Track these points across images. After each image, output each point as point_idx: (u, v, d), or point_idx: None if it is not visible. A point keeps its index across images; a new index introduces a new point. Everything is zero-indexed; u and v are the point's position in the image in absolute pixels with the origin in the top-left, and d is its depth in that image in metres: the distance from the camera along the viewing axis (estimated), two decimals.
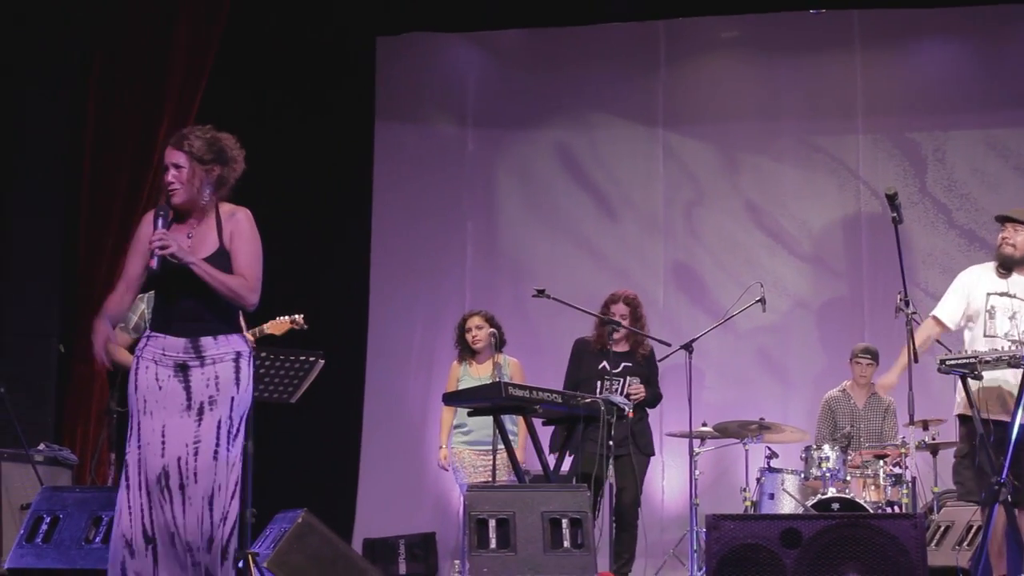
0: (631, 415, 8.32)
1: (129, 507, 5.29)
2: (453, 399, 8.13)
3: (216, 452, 5.34)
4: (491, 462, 8.47)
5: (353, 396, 11.95)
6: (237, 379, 5.46)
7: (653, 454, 9.05)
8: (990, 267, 7.47)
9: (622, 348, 8.87)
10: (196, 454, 5.30)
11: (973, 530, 7.44)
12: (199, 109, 10.46)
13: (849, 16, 12.16)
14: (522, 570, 5.97)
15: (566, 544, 6.12)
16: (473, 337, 9.07)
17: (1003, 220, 7.43)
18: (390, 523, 10.86)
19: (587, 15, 12.28)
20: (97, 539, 6.32)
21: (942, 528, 7.91)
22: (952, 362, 6.96)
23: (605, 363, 8.76)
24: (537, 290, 8.60)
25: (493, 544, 6.06)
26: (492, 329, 9.01)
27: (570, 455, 8.35)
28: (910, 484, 8.94)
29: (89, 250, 10.26)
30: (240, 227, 5.57)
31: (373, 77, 12.60)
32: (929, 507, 9.09)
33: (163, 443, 5.30)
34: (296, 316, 8.16)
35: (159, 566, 5.25)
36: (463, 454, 8.95)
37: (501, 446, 7.99)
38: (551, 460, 8.08)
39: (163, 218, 5.43)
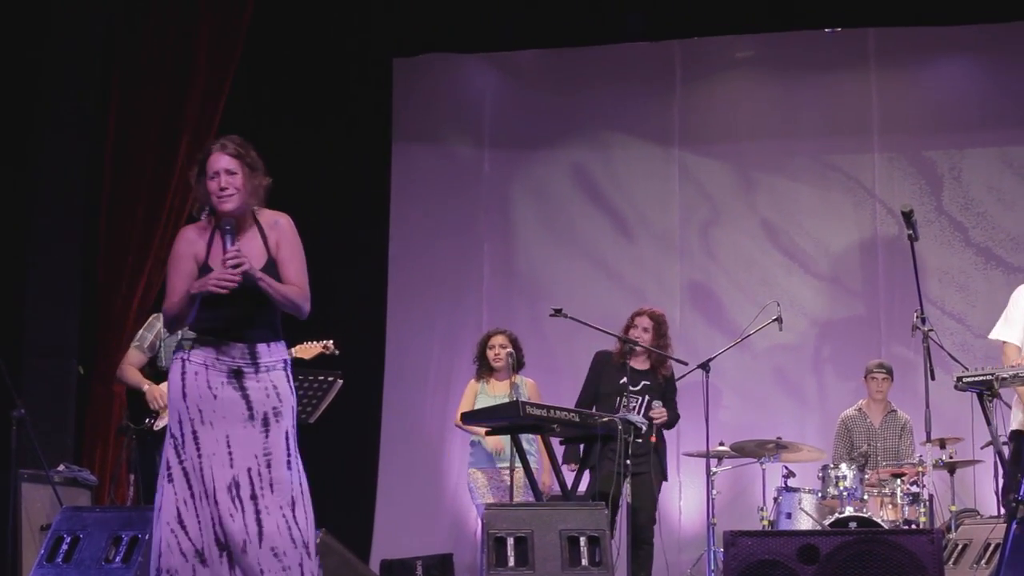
0: (653, 439, 8.34)
1: (198, 517, 5.25)
2: (471, 418, 8.13)
3: (289, 462, 5.33)
4: (507, 481, 8.50)
5: (371, 416, 11.97)
6: (291, 388, 5.46)
7: (666, 479, 9.04)
8: None
9: (643, 365, 8.86)
10: (269, 466, 5.28)
11: (991, 548, 7.41)
12: (217, 130, 10.51)
13: (864, 35, 12.18)
14: None
15: (584, 562, 6.12)
16: (495, 355, 9.07)
17: None
18: (407, 544, 10.86)
19: (603, 35, 12.32)
20: (117, 559, 6.32)
21: (960, 547, 7.87)
22: (969, 379, 6.95)
23: (625, 379, 8.78)
24: (554, 309, 8.61)
25: (511, 562, 6.07)
26: (510, 349, 9.03)
27: (588, 474, 8.35)
28: (927, 503, 8.94)
29: (108, 270, 10.30)
30: (286, 235, 5.52)
31: (390, 98, 12.65)
32: (947, 525, 9.07)
33: (230, 453, 5.27)
34: (327, 342, 8.13)
35: (234, 572, 5.23)
36: (476, 476, 8.96)
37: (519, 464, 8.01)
38: (567, 475, 8.09)
39: (230, 234, 5.34)
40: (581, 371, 9.29)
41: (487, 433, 8.52)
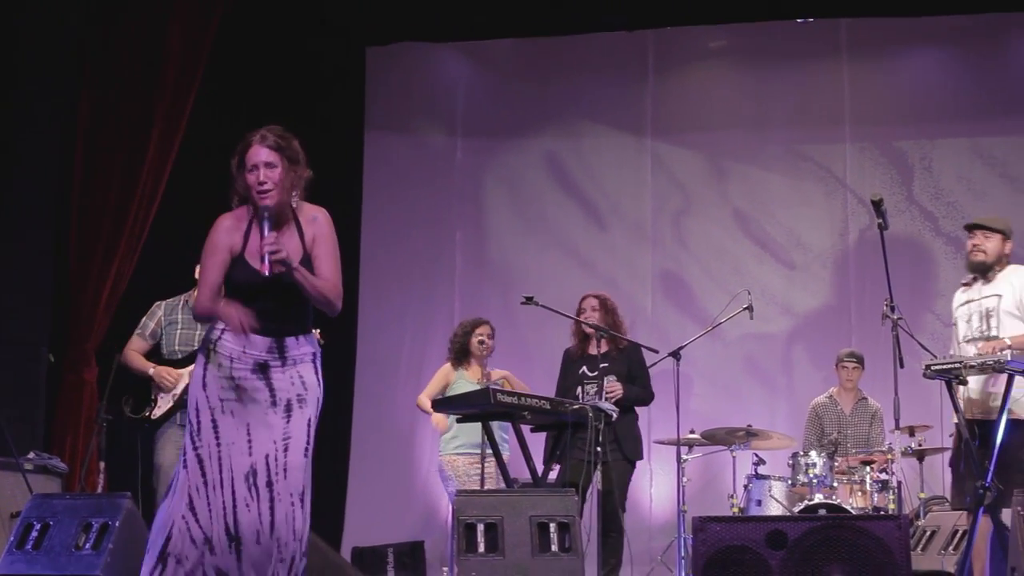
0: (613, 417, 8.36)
1: (209, 505, 5.19)
2: (442, 405, 8.14)
3: (307, 450, 5.29)
4: (481, 470, 8.53)
5: (342, 405, 11.97)
6: (318, 379, 5.40)
7: (640, 458, 9.05)
8: (960, 287, 7.57)
9: (602, 349, 8.82)
10: (287, 450, 5.23)
11: (959, 535, 7.47)
12: (189, 119, 10.50)
13: (836, 25, 12.23)
14: (510, 574, 5.99)
15: (554, 548, 6.13)
16: (484, 346, 9.12)
17: (972, 228, 7.52)
18: (379, 532, 10.85)
19: (576, 25, 12.33)
20: (87, 545, 6.30)
21: (928, 533, 7.94)
22: (937, 367, 7.02)
23: (584, 368, 8.83)
24: (525, 297, 8.60)
25: (482, 548, 6.08)
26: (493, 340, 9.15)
27: (558, 463, 8.37)
28: (896, 490, 8.99)
29: (79, 259, 10.27)
30: (322, 231, 5.43)
31: (363, 87, 12.66)
32: (915, 512, 9.13)
33: (249, 442, 5.22)
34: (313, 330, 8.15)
35: (243, 563, 5.17)
36: (457, 462, 8.98)
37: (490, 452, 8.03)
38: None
39: (268, 222, 5.24)
40: (553, 359, 9.33)
41: (459, 420, 8.54)
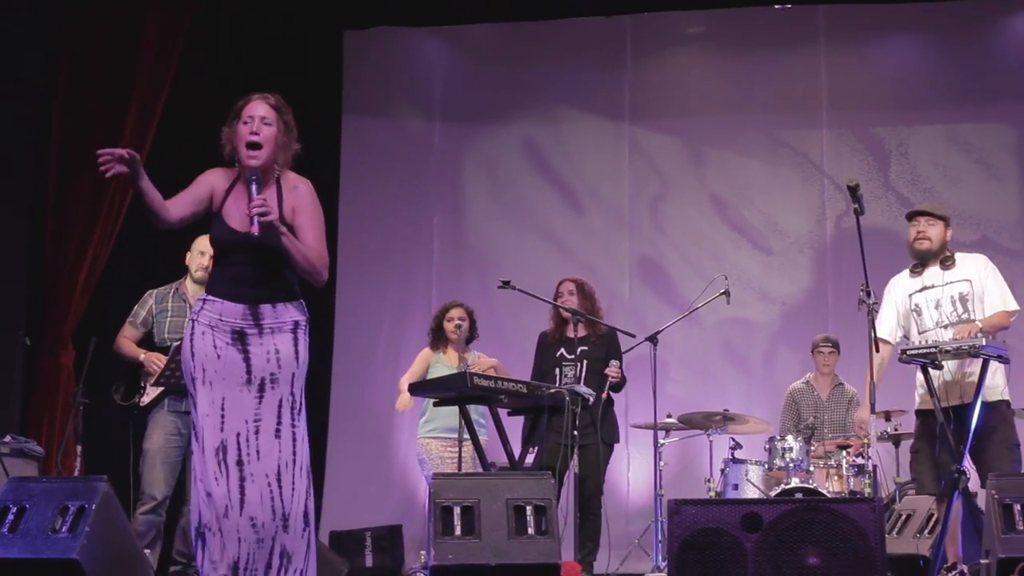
0: (605, 396, 8.39)
1: (201, 476, 5.27)
2: (419, 389, 8.14)
3: (278, 431, 5.30)
4: (458, 454, 8.54)
5: (320, 389, 11.95)
6: (296, 352, 5.40)
7: (617, 441, 9.09)
8: (905, 272, 7.63)
9: (580, 332, 8.87)
10: (257, 433, 5.26)
11: (934, 519, 7.51)
12: (166, 102, 10.47)
13: (814, 12, 12.26)
14: (486, 556, 5.99)
15: (530, 531, 6.13)
16: (454, 327, 9.14)
17: (914, 215, 7.60)
18: (356, 516, 10.85)
19: (554, 10, 12.34)
20: (63, 528, 6.26)
21: (904, 517, 7.97)
22: (913, 352, 7.08)
23: (562, 350, 8.86)
24: (502, 281, 8.61)
25: (458, 531, 6.07)
26: (468, 322, 9.21)
27: (535, 447, 8.38)
28: (872, 474, 9.03)
29: (55, 242, 10.24)
30: (303, 201, 5.46)
31: (341, 71, 12.62)
32: (891, 496, 9.17)
33: (222, 416, 5.25)
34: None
35: (214, 535, 5.22)
36: (431, 445, 9.00)
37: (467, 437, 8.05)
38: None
39: (256, 183, 5.27)
40: (530, 344, 9.34)
41: (435, 404, 8.55)
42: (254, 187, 5.27)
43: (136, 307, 8.04)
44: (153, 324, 7.94)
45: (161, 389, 7.75)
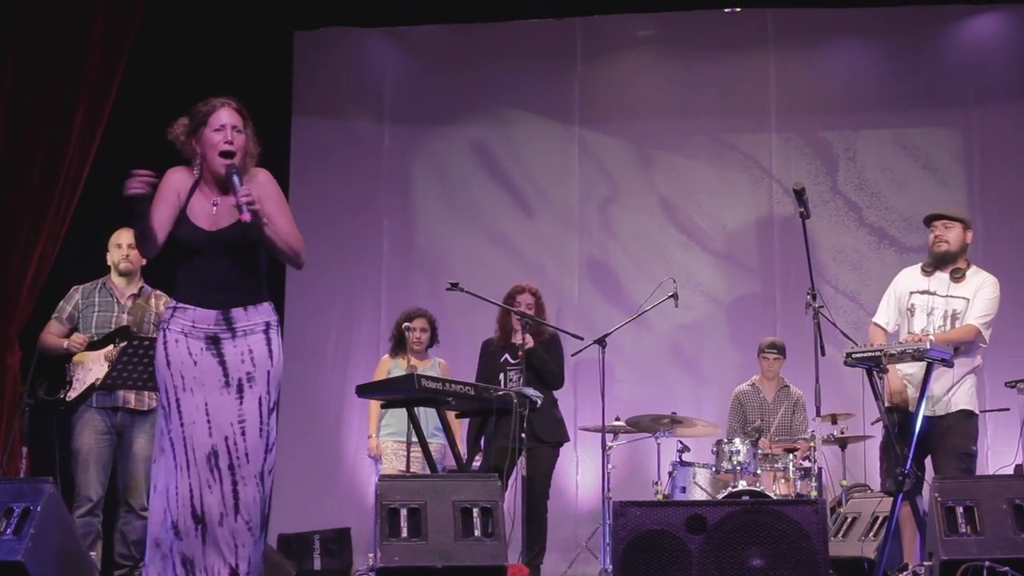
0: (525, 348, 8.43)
1: (177, 488, 5.21)
2: (367, 391, 8.13)
3: (261, 429, 5.33)
4: (406, 456, 8.56)
5: None
6: (270, 351, 5.42)
7: (567, 440, 9.12)
8: (917, 267, 7.67)
9: (528, 342, 8.89)
10: (244, 433, 5.26)
11: (879, 521, 7.57)
12: (114, 103, 10.39)
13: (763, 15, 12.31)
14: (433, 558, 6.00)
15: (477, 533, 6.15)
16: (417, 338, 9.18)
17: (932, 219, 7.63)
18: (305, 518, 10.81)
19: (504, 12, 12.33)
20: (8, 530, 6.22)
21: (849, 520, 8.03)
22: (858, 355, 7.12)
23: (507, 355, 8.91)
24: (451, 283, 8.61)
25: (404, 533, 6.09)
26: (429, 332, 9.37)
27: (481, 450, 8.40)
28: (818, 477, 9.08)
29: (1, 242, 10.14)
30: (266, 189, 5.46)
31: (290, 72, 12.57)
32: (837, 500, 9.23)
33: (208, 422, 5.23)
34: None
35: (207, 546, 5.19)
36: (386, 446, 9.05)
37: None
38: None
39: (237, 176, 5.27)
40: (479, 346, 9.35)
41: (383, 406, 8.55)
42: (236, 179, 5.27)
43: (62, 303, 8.05)
44: (79, 319, 7.93)
45: (89, 384, 7.70)
